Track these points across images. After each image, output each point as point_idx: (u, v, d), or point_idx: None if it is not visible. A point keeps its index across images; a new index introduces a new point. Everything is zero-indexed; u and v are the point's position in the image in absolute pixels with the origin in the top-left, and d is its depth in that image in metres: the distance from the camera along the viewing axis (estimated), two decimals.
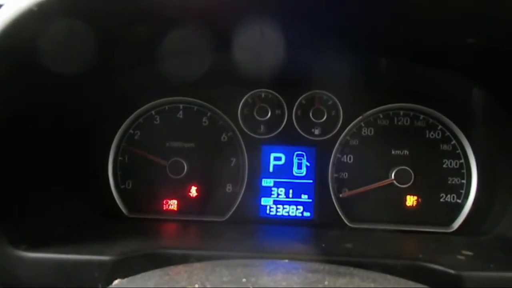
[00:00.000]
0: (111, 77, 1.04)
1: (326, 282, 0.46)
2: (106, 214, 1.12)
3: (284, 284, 0.45)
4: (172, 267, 0.60)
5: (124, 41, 0.83)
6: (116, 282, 0.66)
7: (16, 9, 0.55)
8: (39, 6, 0.52)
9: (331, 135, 1.16)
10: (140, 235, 0.95)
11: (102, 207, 1.12)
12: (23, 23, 0.56)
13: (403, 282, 0.57)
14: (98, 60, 0.82)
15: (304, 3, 0.73)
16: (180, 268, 0.57)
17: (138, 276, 0.58)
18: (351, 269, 0.60)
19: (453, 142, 1.15)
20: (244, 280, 0.46)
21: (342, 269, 0.59)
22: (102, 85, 1.04)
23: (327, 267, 0.59)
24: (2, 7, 0.57)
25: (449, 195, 1.14)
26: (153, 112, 1.17)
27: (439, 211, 1.14)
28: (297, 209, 1.16)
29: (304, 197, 1.16)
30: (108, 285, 0.72)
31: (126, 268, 0.75)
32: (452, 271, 0.76)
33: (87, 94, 1.00)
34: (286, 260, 0.64)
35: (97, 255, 0.76)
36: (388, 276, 0.59)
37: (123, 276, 0.62)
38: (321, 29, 0.83)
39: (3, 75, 0.68)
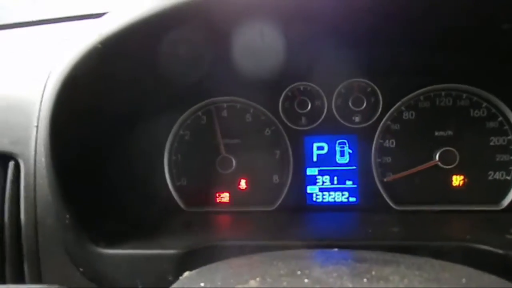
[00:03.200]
0: (161, 84, 1.13)
1: (373, 272, 0.52)
2: (167, 210, 1.23)
3: (334, 275, 0.51)
4: (234, 259, 0.68)
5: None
6: (185, 274, 0.75)
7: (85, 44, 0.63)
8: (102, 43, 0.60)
9: (372, 121, 1.18)
10: (200, 228, 1.05)
11: (163, 203, 1.23)
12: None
13: (448, 266, 0.61)
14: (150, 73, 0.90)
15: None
16: (242, 261, 0.65)
17: (205, 268, 0.66)
18: (397, 256, 0.65)
19: (500, 118, 1.13)
20: (299, 272, 0.53)
21: (388, 256, 0.64)
22: (154, 92, 1.13)
23: (374, 255, 0.64)
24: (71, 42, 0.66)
25: (497, 173, 1.13)
26: (199, 113, 1.25)
27: (488, 189, 1.13)
28: (342, 195, 1.20)
29: (349, 183, 1.20)
30: (176, 276, 0.82)
31: (191, 260, 0.84)
32: (500, 251, 0.78)
33: (141, 102, 1.10)
34: (336, 249, 0.69)
35: (165, 249, 0.85)
36: (434, 261, 0.63)
37: (190, 268, 0.71)
38: (358, 24, 0.85)
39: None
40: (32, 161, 0.92)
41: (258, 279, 0.52)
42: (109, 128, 0.98)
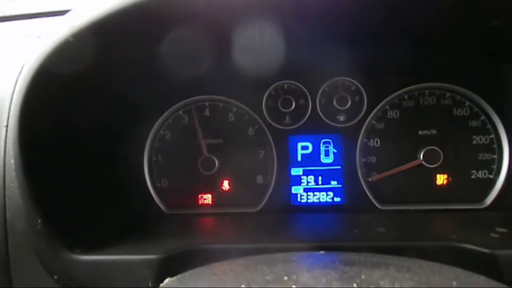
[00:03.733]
0: (141, 82, 1.09)
1: (363, 276, 0.50)
2: (147, 213, 1.19)
3: (323, 281, 0.48)
4: (217, 264, 0.65)
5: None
6: (166, 281, 0.71)
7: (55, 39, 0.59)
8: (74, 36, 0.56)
9: (356, 120, 1.17)
10: (181, 232, 1.01)
11: (143, 206, 1.19)
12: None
13: (437, 266, 0.60)
14: (132, 73, 0.86)
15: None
16: (225, 266, 0.62)
17: (187, 274, 0.63)
18: (385, 257, 0.63)
19: (482, 117, 1.13)
20: (285, 278, 0.50)
21: (376, 258, 0.62)
22: (133, 90, 1.09)
23: (362, 257, 0.62)
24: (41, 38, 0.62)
25: (480, 171, 1.14)
26: (181, 112, 1.21)
27: (471, 188, 1.14)
28: (327, 195, 1.19)
29: (334, 183, 1.18)
30: (157, 282, 0.79)
31: (173, 264, 0.81)
32: (486, 250, 0.78)
33: (121, 100, 1.05)
34: (322, 252, 0.67)
35: (145, 254, 0.82)
36: (423, 262, 0.61)
37: (171, 273, 0.68)
38: (346, 23, 0.83)
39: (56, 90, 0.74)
40: (1, 163, 0.86)
41: (243, 286, 0.49)
42: (84, 128, 0.94)
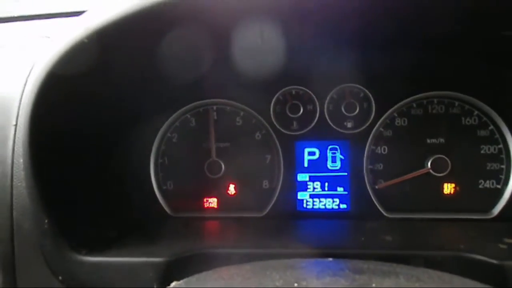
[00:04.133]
0: (149, 84, 1.09)
1: (373, 285, 0.49)
2: (152, 215, 1.19)
3: None
4: (224, 269, 0.64)
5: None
6: (172, 284, 0.71)
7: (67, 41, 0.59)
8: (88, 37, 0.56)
9: (364, 127, 1.16)
10: (187, 235, 1.01)
11: (148, 208, 1.18)
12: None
13: (447, 277, 0.59)
14: (139, 75, 0.86)
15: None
16: (232, 270, 0.61)
17: (193, 278, 0.62)
18: (395, 266, 0.62)
19: (491, 127, 1.13)
20: (295, 284, 0.50)
21: (386, 267, 0.61)
22: (141, 92, 1.09)
23: (372, 265, 0.61)
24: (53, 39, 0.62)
25: (488, 181, 1.13)
26: (188, 115, 1.21)
27: (478, 197, 1.13)
28: (333, 201, 1.18)
29: (340, 190, 1.18)
30: (162, 285, 0.78)
31: (178, 267, 0.81)
32: (494, 261, 0.77)
33: (127, 102, 1.05)
34: (330, 259, 0.67)
35: (151, 256, 0.82)
36: (432, 272, 0.61)
37: (177, 277, 0.68)
38: (354, 30, 0.83)
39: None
40: (9, 162, 0.87)
41: None
42: (92, 129, 0.94)
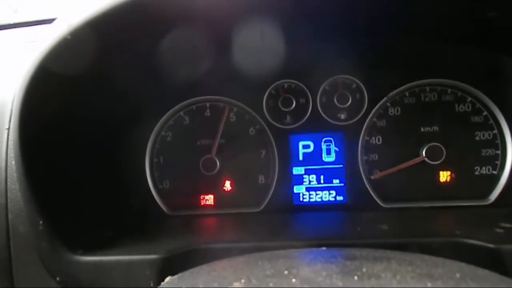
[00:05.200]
0: (141, 83, 1.09)
1: (364, 269, 0.49)
2: (149, 214, 1.19)
3: (324, 273, 0.48)
4: (217, 262, 0.64)
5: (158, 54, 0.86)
6: (167, 280, 0.71)
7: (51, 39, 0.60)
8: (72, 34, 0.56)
9: (357, 118, 1.16)
10: (183, 232, 1.01)
11: (145, 208, 1.18)
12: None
13: (440, 261, 0.59)
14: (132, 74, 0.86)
15: None
16: (225, 263, 0.61)
17: (187, 273, 0.62)
18: (388, 252, 0.62)
19: (485, 113, 1.12)
20: (286, 272, 0.50)
21: (378, 253, 0.61)
22: (133, 91, 1.09)
23: (364, 252, 0.61)
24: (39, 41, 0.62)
25: (484, 167, 1.13)
26: (181, 113, 1.21)
27: (475, 184, 1.12)
28: (329, 194, 1.18)
29: (336, 182, 1.18)
30: (159, 282, 0.78)
31: (174, 264, 0.80)
32: (491, 245, 0.76)
33: (121, 101, 1.05)
34: (324, 248, 0.67)
35: (147, 254, 0.82)
36: (425, 256, 0.61)
37: (173, 274, 0.68)
38: (344, 21, 0.83)
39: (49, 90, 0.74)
40: (3, 165, 0.87)
41: (242, 280, 0.49)
42: (84, 129, 0.94)
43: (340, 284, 0.45)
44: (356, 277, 0.47)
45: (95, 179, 1.01)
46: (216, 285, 0.50)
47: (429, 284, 0.45)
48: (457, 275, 0.50)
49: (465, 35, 0.95)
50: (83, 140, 0.94)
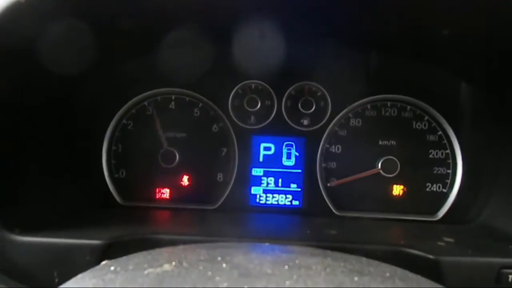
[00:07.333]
0: (105, 68, 1.07)
1: (297, 261, 0.49)
2: (101, 203, 1.15)
3: (256, 262, 0.48)
4: (157, 249, 0.63)
5: (118, 34, 0.85)
6: (103, 263, 0.69)
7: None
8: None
9: (319, 125, 1.18)
10: (132, 222, 0.98)
11: (97, 195, 1.15)
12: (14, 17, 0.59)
13: (375, 263, 0.60)
14: (92, 53, 0.84)
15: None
16: (164, 249, 0.60)
17: (124, 257, 0.61)
18: (328, 251, 0.63)
19: (439, 132, 1.17)
20: (219, 258, 0.49)
21: (318, 251, 0.62)
22: (96, 76, 1.07)
23: (304, 249, 0.62)
24: None
25: (434, 185, 1.17)
26: (145, 103, 1.19)
27: (425, 200, 1.16)
28: (286, 198, 1.19)
29: (293, 186, 1.19)
30: None
31: (117, 252, 0.77)
32: (430, 256, 0.79)
33: (81, 85, 1.02)
34: (267, 244, 0.67)
35: (88, 239, 0.79)
36: (363, 258, 0.62)
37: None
38: (315, 26, 0.85)
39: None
40: None
41: (173, 263, 0.48)
42: (34, 103, 0.90)
43: (269, 272, 0.44)
44: (286, 267, 0.47)
45: (45, 158, 0.97)
46: (146, 266, 0.49)
47: (355, 279, 0.46)
48: (387, 274, 0.51)
49: (427, 54, 0.99)
50: (33, 114, 0.90)
